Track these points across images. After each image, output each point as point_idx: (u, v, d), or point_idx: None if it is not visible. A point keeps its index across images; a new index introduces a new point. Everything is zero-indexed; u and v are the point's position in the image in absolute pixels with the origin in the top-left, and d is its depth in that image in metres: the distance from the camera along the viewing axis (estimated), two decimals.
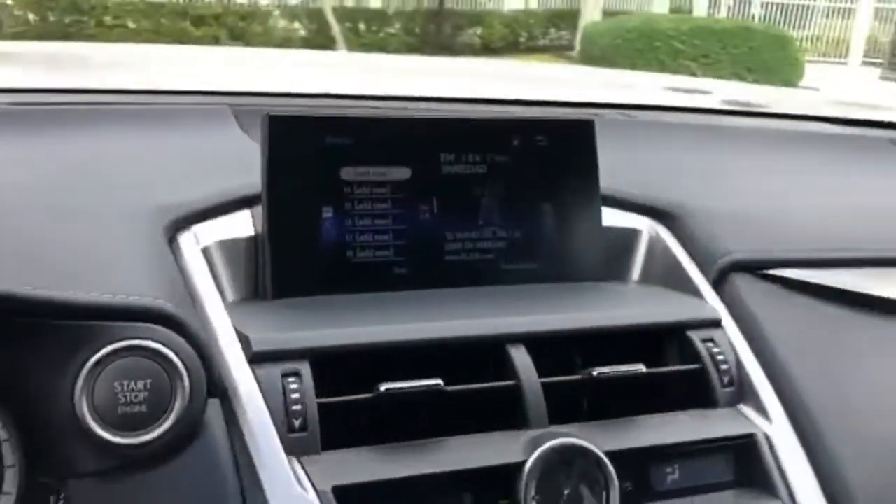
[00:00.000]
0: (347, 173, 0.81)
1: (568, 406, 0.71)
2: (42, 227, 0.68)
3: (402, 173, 0.82)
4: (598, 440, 0.65)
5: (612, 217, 0.91)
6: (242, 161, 0.78)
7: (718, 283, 0.84)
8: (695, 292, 0.83)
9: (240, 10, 11.21)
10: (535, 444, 0.64)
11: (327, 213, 0.80)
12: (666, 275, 0.88)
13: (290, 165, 0.78)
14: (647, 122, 1.24)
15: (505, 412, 0.68)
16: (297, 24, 11.29)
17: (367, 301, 0.77)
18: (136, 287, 0.63)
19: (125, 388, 0.57)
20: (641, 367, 0.71)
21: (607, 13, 12.39)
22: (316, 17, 10.92)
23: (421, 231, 0.83)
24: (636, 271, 0.91)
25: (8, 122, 0.92)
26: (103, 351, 0.57)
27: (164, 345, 0.59)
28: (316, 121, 0.80)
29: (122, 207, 0.74)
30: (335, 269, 0.79)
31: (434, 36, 11.67)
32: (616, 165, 0.92)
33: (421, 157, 0.83)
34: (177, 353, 0.59)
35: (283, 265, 0.77)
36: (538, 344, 0.71)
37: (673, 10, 12.99)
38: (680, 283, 0.86)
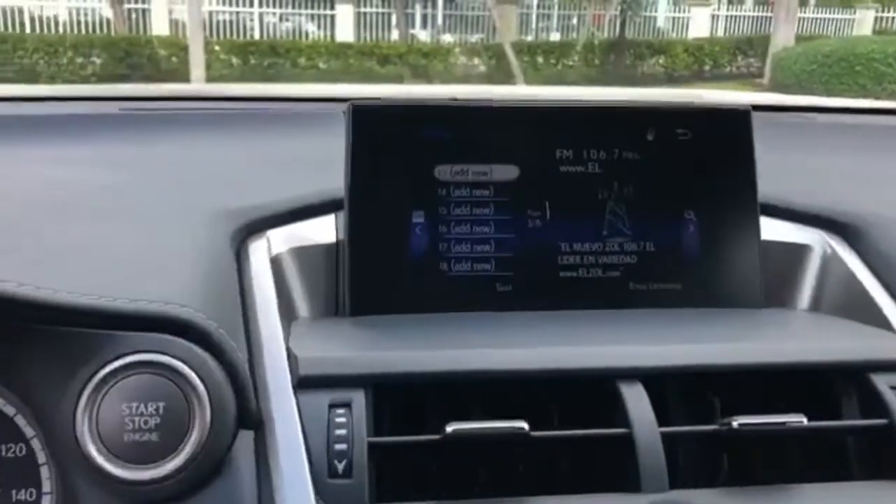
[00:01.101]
0: (443, 172, 0.69)
1: (698, 466, 0.55)
2: (92, 227, 0.62)
3: (507, 173, 0.70)
4: None
5: (774, 229, 0.74)
6: (338, 165, 0.69)
7: None
8: (882, 324, 0.64)
9: (422, 48, 11.54)
10: None
11: (418, 217, 0.69)
12: (844, 302, 0.69)
13: (376, 163, 0.68)
14: (818, 123, 1.04)
15: (612, 469, 0.53)
16: (476, 61, 11.44)
17: (458, 321, 0.64)
18: (177, 295, 0.54)
19: (134, 411, 0.48)
20: (803, 420, 0.53)
21: (801, 38, 11.66)
22: (495, 52, 11.03)
23: (529, 241, 0.69)
24: (805, 297, 0.73)
25: (109, 125, 0.89)
26: (110, 367, 0.48)
27: (182, 361, 0.49)
28: (406, 111, 0.69)
29: (190, 209, 0.66)
30: (426, 284, 0.67)
31: (614, 66, 11.44)
32: (779, 169, 0.74)
33: (531, 154, 0.70)
34: (197, 372, 0.49)
35: (365, 277, 0.67)
36: (661, 382, 0.56)
37: (877, 33, 12.04)
38: (862, 312, 0.67)
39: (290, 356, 0.55)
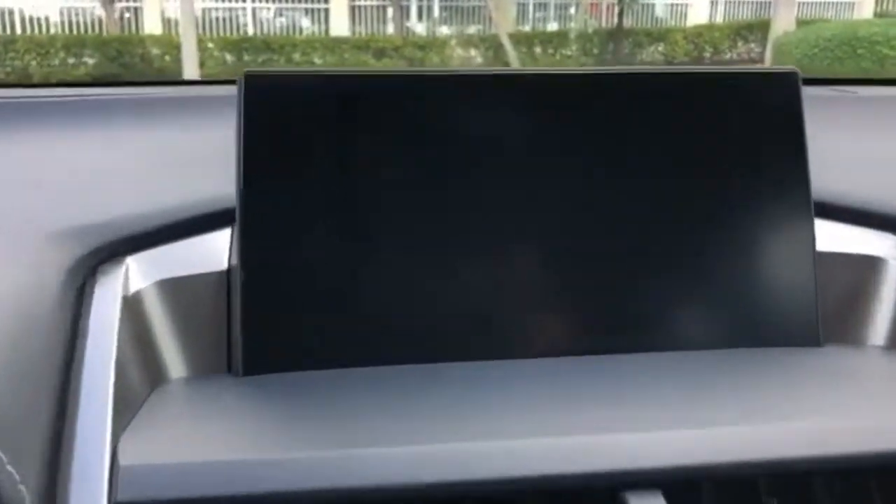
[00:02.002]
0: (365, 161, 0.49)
1: None
2: None
3: (453, 161, 0.50)
4: None
5: (835, 236, 0.54)
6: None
7: None
8: None
9: (418, 41, 11.36)
10: None
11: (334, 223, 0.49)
12: None
13: (278, 152, 0.48)
14: (861, 97, 0.84)
15: None
16: (473, 52, 11.23)
17: (385, 383, 0.45)
18: None
19: None
20: None
21: (802, 22, 11.46)
22: (492, 43, 10.81)
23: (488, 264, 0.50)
24: (880, 329, 0.53)
25: None
26: None
27: None
28: (325, 81, 0.49)
29: (16, 230, 0.47)
30: (347, 329, 0.48)
31: (613, 55, 11.26)
32: (830, 155, 0.55)
33: (487, 134, 0.50)
34: None
35: (263, 320, 0.47)
36: (691, 488, 0.36)
37: (878, 15, 11.86)
38: None
39: (114, 465, 0.35)
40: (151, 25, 10.96)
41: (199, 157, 0.58)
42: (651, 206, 0.50)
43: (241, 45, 10.66)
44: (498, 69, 0.55)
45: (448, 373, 0.46)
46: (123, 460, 0.35)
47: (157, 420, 0.41)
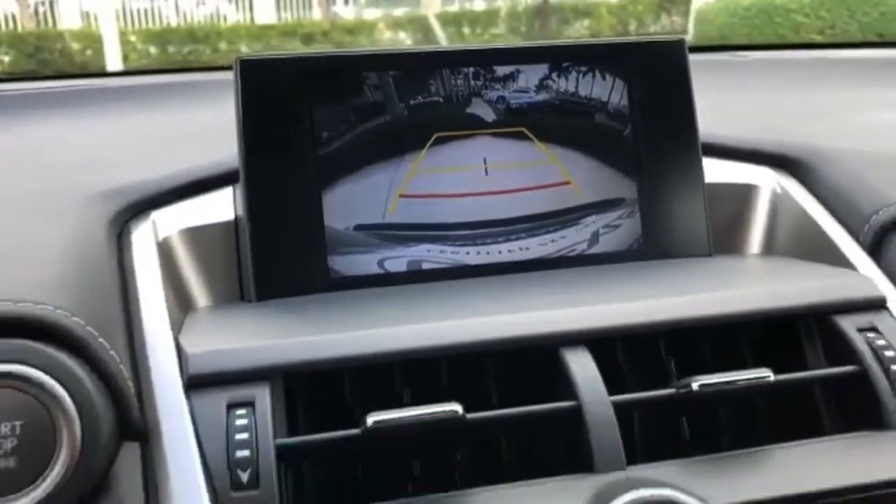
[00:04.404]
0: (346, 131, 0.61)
1: (657, 435, 0.49)
2: None
3: (420, 124, 0.62)
4: (706, 488, 0.42)
5: (718, 170, 0.68)
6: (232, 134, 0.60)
7: (877, 249, 0.59)
8: (843, 262, 0.59)
9: (346, 25, 11.32)
10: (605, 498, 0.42)
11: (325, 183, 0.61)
12: (799, 243, 0.64)
13: (271, 123, 0.60)
14: (750, 60, 0.99)
15: (561, 449, 0.46)
16: (402, 34, 11.27)
17: (378, 297, 0.57)
18: (41, 291, 0.45)
19: None
20: (768, 375, 0.47)
21: None
22: (420, 24, 10.86)
23: (456, 202, 0.62)
24: (756, 241, 0.67)
25: None
26: None
27: (43, 370, 0.41)
28: (302, 63, 0.61)
29: (58, 194, 0.57)
30: (339, 259, 0.60)
31: (540, 31, 11.41)
32: (716, 107, 0.68)
33: (449, 104, 0.63)
34: (63, 383, 0.41)
35: (270, 256, 0.59)
36: (609, 345, 0.49)
37: None
38: (819, 252, 0.62)
39: (180, 353, 0.47)
40: (69, 19, 10.69)
41: (197, 132, 0.70)
42: (574, 149, 0.63)
43: (164, 36, 10.47)
44: (447, 46, 0.67)
45: (426, 289, 0.58)
46: (188, 348, 0.47)
47: (200, 327, 0.52)
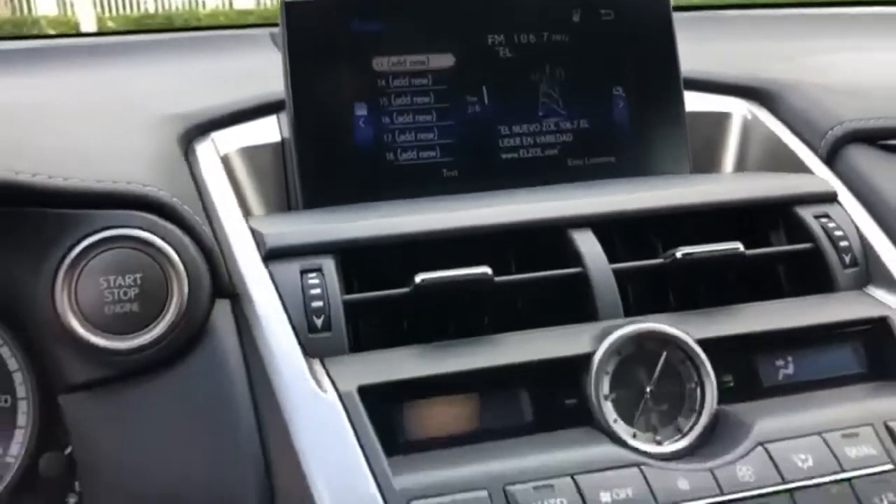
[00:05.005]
0: (380, 64, 0.70)
1: (650, 298, 0.59)
2: (53, 128, 0.62)
3: (444, 61, 0.72)
4: (689, 329, 0.53)
5: (696, 101, 0.78)
6: (275, 75, 0.70)
7: (832, 158, 0.70)
8: (804, 171, 0.70)
9: None
10: (606, 332, 0.52)
11: (360, 110, 0.71)
12: (767, 160, 0.75)
13: (314, 59, 0.69)
14: (727, 16, 1.10)
15: (570, 307, 0.57)
16: None
17: (411, 203, 0.67)
18: (138, 178, 0.55)
19: (112, 283, 0.49)
20: (740, 247, 0.58)
21: None
22: None
23: (470, 126, 0.72)
24: (729, 161, 0.78)
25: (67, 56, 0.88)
26: (85, 242, 0.49)
27: (157, 235, 0.50)
28: (340, 3, 0.70)
29: (138, 115, 0.66)
30: (374, 174, 0.70)
31: None
32: (698, 51, 0.79)
33: (465, 41, 0.72)
34: (172, 245, 0.51)
35: (314, 170, 0.68)
36: (609, 228, 0.60)
37: None
38: (785, 165, 0.72)
39: (256, 235, 0.57)
40: (45, 4, 10.66)
41: (239, 76, 0.79)
42: (564, 91, 0.73)
43: (142, 21, 10.48)
44: None
45: (446, 198, 0.68)
46: (262, 230, 0.56)
47: (266, 220, 0.62)
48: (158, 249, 0.50)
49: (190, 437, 0.50)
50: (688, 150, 0.75)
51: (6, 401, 0.53)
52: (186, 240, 0.52)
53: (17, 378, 0.52)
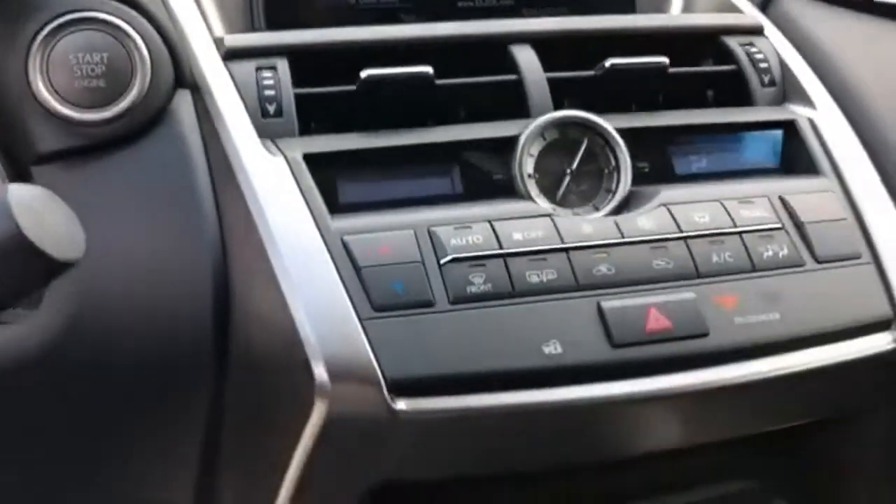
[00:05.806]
0: None
1: (582, 106, 0.64)
2: None
3: None
4: (611, 122, 0.58)
5: None
6: None
7: (766, 5, 0.74)
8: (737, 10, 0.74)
9: None
10: (534, 120, 0.57)
11: None
12: (712, 5, 0.79)
13: None
14: None
15: (506, 111, 0.61)
16: None
17: (364, 27, 0.71)
18: None
19: (81, 60, 0.54)
20: (665, 61, 0.62)
21: None
22: None
23: None
24: (676, 10, 0.82)
25: None
26: (57, 21, 0.54)
27: (120, 19, 0.55)
28: None
29: None
30: (336, 11, 0.74)
31: None
32: None
33: None
34: (137, 31, 0.55)
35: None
36: (548, 45, 0.64)
37: None
38: (725, 8, 0.76)
39: (215, 39, 0.61)
40: None
41: None
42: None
43: None
44: None
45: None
46: (221, 35, 0.61)
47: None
48: (125, 33, 0.55)
49: (152, 214, 0.55)
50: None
51: None
52: (151, 29, 0.56)
53: None
